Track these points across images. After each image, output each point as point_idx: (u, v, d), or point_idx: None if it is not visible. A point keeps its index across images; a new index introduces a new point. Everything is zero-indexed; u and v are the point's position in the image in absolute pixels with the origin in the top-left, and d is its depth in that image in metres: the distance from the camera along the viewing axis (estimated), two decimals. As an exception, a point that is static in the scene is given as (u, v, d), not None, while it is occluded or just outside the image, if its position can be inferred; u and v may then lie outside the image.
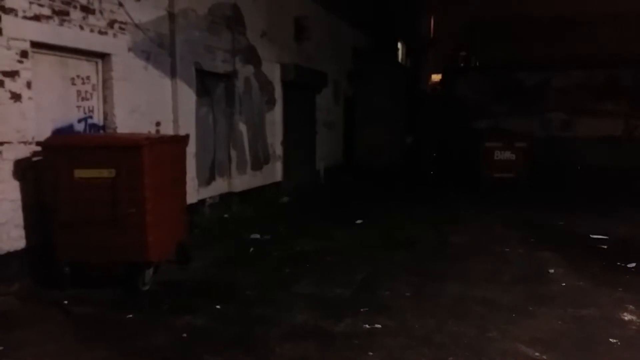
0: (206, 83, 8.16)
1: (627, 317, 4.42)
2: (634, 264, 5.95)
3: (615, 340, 3.95)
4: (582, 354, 3.74)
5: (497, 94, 17.33)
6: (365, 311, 4.53)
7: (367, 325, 4.24)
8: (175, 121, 7.21)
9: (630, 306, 4.63)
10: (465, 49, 22.75)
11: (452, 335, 4.06)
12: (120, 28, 6.22)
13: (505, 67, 17.76)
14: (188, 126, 7.35)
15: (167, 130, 7.05)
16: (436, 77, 26.07)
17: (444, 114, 18.44)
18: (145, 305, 4.69)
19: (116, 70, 6.15)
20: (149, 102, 6.72)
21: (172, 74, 7.16)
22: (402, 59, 21.56)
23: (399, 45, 20.99)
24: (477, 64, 21.11)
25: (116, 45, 6.16)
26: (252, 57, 9.23)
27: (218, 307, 4.65)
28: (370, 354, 3.75)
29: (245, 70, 9.05)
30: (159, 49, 6.92)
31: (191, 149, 7.07)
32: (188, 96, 7.46)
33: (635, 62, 16.35)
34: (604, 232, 7.45)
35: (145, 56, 6.67)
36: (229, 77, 8.61)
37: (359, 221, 8.37)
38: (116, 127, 6.17)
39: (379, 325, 4.24)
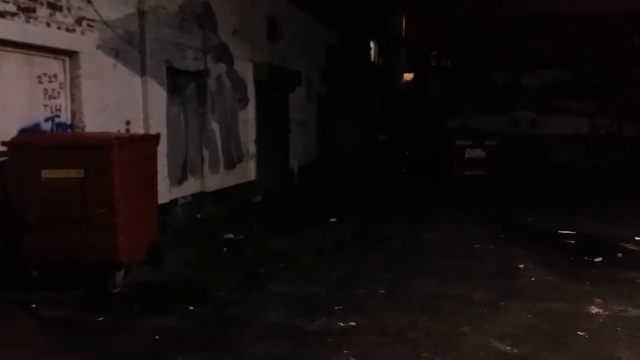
0: (177, 81, 8.06)
1: (594, 310, 4.53)
2: (600, 259, 6.11)
3: (583, 333, 4.05)
4: (551, 347, 3.82)
5: (468, 93, 17.61)
6: (340, 309, 4.55)
7: (341, 324, 4.25)
8: (146, 120, 7.10)
9: (597, 299, 4.75)
10: (437, 49, 23.00)
11: (425, 331, 4.11)
12: (89, 25, 6.09)
13: (476, 66, 18.05)
14: (159, 125, 7.25)
15: (138, 129, 6.93)
16: (408, 76, 26.29)
17: (417, 112, 18.65)
18: (116, 307, 4.61)
19: (84, 68, 6.02)
20: (118, 101, 6.60)
21: (142, 72, 7.04)
22: (374, 57, 21.68)
23: (372, 44, 21.10)
24: (449, 63, 21.38)
25: (84, 42, 6.03)
26: (224, 55, 9.15)
27: (191, 308, 4.59)
28: (345, 351, 3.76)
29: (218, 69, 8.97)
30: (129, 46, 6.80)
31: (162, 148, 6.97)
32: (159, 94, 7.35)
33: (601, 63, 16.81)
34: (572, 228, 7.63)
35: (115, 54, 6.55)
36: (201, 76, 8.52)
37: (333, 219, 8.39)
38: (84, 126, 6.04)
39: (354, 323, 4.26)
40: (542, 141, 16.84)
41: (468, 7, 18.94)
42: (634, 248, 6.62)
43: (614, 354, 3.71)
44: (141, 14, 6.98)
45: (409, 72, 25.91)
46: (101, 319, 4.34)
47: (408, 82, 26.28)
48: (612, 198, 10.66)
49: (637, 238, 7.03)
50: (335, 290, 5.08)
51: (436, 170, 14.10)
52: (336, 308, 4.57)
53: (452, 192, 11.60)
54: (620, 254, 6.36)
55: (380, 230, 7.73)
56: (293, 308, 4.58)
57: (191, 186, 8.43)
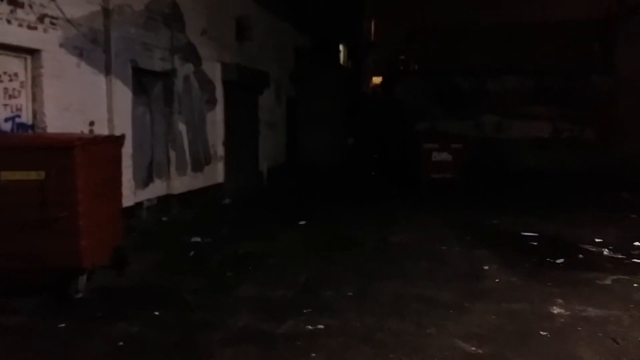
0: (143, 81, 7.92)
1: (555, 310, 4.65)
2: (561, 260, 6.28)
3: (545, 333, 4.15)
4: (514, 347, 3.90)
5: (435, 97, 17.88)
6: (308, 312, 4.54)
7: (309, 327, 4.24)
8: (110, 120, 6.95)
9: (559, 300, 4.88)
10: (405, 53, 23.28)
11: (392, 333, 4.13)
12: (52, 23, 5.93)
13: (442, 71, 18.34)
14: (124, 126, 7.10)
15: (102, 130, 6.78)
16: (377, 80, 26.55)
17: (385, 115, 18.83)
18: (79, 313, 4.48)
19: (46, 67, 5.87)
20: (81, 101, 6.45)
21: (107, 71, 6.90)
22: (343, 61, 21.80)
23: (341, 47, 21.21)
24: (416, 67, 21.66)
25: (46, 40, 5.87)
26: (191, 55, 9.04)
27: (156, 313, 4.50)
28: (313, 354, 3.75)
29: (185, 69, 8.85)
30: (93, 45, 6.65)
31: (127, 149, 6.83)
32: (124, 95, 7.21)
33: (563, 70, 17.34)
34: (535, 230, 7.82)
35: (78, 52, 6.39)
36: (168, 76, 8.40)
37: (302, 222, 8.37)
38: (46, 127, 5.88)
39: (322, 326, 4.25)
40: (507, 144, 17.24)
41: (435, 13, 19.25)
42: (593, 249, 6.82)
43: (575, 353, 3.81)
44: (106, 12, 6.84)
45: (378, 75, 26.17)
46: (63, 325, 4.22)
47: (377, 85, 26.53)
48: (572, 200, 10.99)
49: (596, 240, 7.25)
50: (304, 293, 5.07)
51: (404, 172, 14.25)
52: (304, 311, 4.55)
53: (420, 195, 11.74)
54: (580, 256, 6.55)
55: (348, 233, 7.75)
56: (261, 312, 4.55)
57: (157, 188, 8.29)
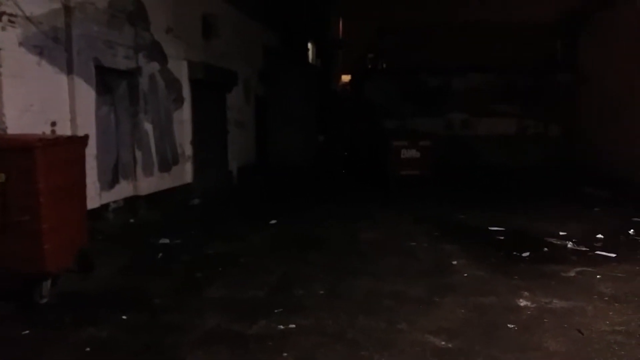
0: (107, 80, 7.74)
1: (522, 303, 4.75)
2: (527, 253, 6.42)
3: (512, 326, 4.24)
4: (483, 339, 3.97)
5: (404, 95, 18.04)
6: (280, 312, 4.52)
7: (281, 326, 4.22)
8: (73, 121, 6.76)
9: (525, 292, 4.98)
10: (373, 52, 23.40)
11: (363, 330, 4.15)
12: (10, 21, 5.74)
13: (410, 70, 18.51)
14: (87, 126, 6.92)
15: (64, 130, 6.60)
16: (346, 78, 26.63)
17: (354, 114, 18.93)
18: (44, 319, 4.36)
19: (5, 66, 5.67)
20: (43, 101, 6.26)
21: (69, 70, 6.71)
22: (312, 59, 21.79)
23: (310, 45, 21.19)
24: (384, 66, 21.80)
25: (5, 39, 5.67)
26: (157, 53, 8.88)
27: (124, 317, 4.42)
28: (285, 354, 3.74)
29: (150, 67, 8.69)
30: (54, 43, 6.46)
31: (91, 150, 6.67)
32: (87, 94, 7.03)
33: (527, 68, 17.73)
34: (501, 224, 7.98)
35: (39, 51, 6.20)
36: (132, 74, 8.23)
37: (272, 221, 8.34)
38: (6, 128, 5.68)
39: (293, 325, 4.24)
40: (474, 141, 17.54)
41: (403, 12, 19.42)
42: (558, 243, 6.99)
43: (541, 345, 3.90)
44: (67, 9, 6.65)
45: (347, 74, 26.25)
46: (27, 332, 4.10)
47: (346, 83, 26.61)
48: (538, 195, 11.26)
49: (561, 233, 7.43)
50: (275, 293, 5.05)
51: (374, 170, 14.35)
52: (276, 311, 4.53)
53: (389, 192, 11.83)
54: (546, 249, 6.71)
55: (319, 231, 7.75)
56: (232, 312, 4.51)
57: (123, 190, 8.12)
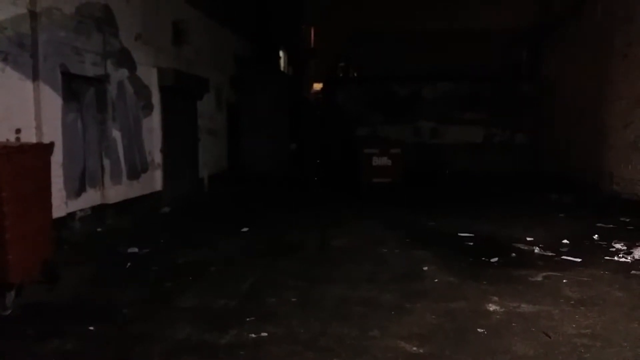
0: (74, 87, 7.60)
1: (491, 307, 4.82)
2: (496, 259, 6.53)
3: (482, 330, 4.30)
4: (454, 344, 4.02)
5: (374, 103, 18.24)
6: (251, 320, 4.48)
7: (253, 335, 4.19)
8: (39, 128, 6.59)
9: (494, 297, 5.07)
10: (344, 60, 23.58)
11: (336, 337, 4.15)
12: (-29, 25, 5.58)
13: (380, 78, 18.73)
14: (53, 133, 6.76)
15: (29, 138, 6.43)
16: (318, 86, 26.72)
17: (326, 122, 19.01)
18: (7, 331, 4.22)
19: (-34, 71, 5.50)
20: (7, 107, 6.09)
21: (35, 76, 6.56)
22: (284, 67, 21.82)
23: (281, 53, 21.22)
24: (355, 74, 22.00)
25: (-34, 43, 5.51)
26: (126, 60, 8.76)
27: (91, 328, 4.30)
28: (256, 363, 3.71)
29: (119, 74, 8.57)
30: (19, 49, 6.31)
31: (57, 158, 6.52)
32: (53, 101, 6.88)
33: (494, 77, 18.15)
34: (470, 231, 8.11)
35: (3, 57, 6.05)
36: (100, 81, 8.10)
37: (244, 229, 8.28)
38: (-33, 135, 5.51)
39: (265, 334, 4.21)
40: (443, 149, 17.84)
41: (372, 21, 19.64)
42: (525, 248, 7.14)
43: (510, 348, 3.96)
44: (33, 15, 6.51)
45: (319, 82, 26.36)
46: (-13, 346, 3.96)
47: (318, 92, 26.71)
48: (505, 202, 11.49)
49: (528, 239, 7.59)
50: (247, 301, 5.00)
51: (346, 178, 14.43)
52: (247, 319, 4.49)
53: (361, 199, 11.91)
54: (514, 254, 6.84)
55: (291, 239, 7.74)
56: (203, 322, 4.44)
57: (91, 198, 7.95)
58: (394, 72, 18.76)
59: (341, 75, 22.84)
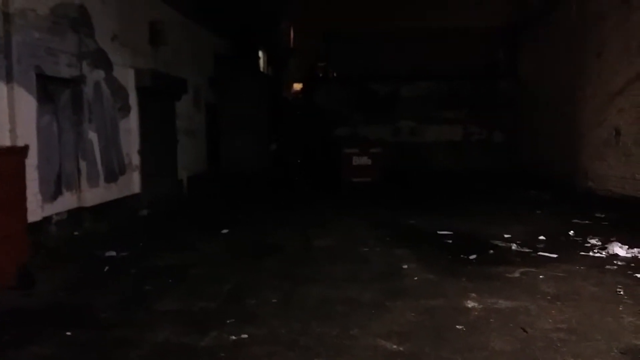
0: (49, 89, 7.47)
1: (470, 304, 4.88)
2: (474, 256, 6.61)
3: (461, 327, 4.34)
4: (433, 341, 4.05)
5: (354, 103, 18.31)
6: (232, 322, 4.46)
7: (233, 337, 4.17)
8: (12, 131, 6.46)
9: (473, 294, 5.13)
10: (324, 60, 23.61)
11: (317, 336, 4.16)
12: (-59, 26, 5.45)
13: (360, 78, 18.80)
14: (28, 136, 6.64)
15: (3, 141, 6.30)
16: (298, 86, 26.70)
17: (307, 121, 19.02)
18: (-20, 339, 4.13)
19: (-64, 73, 5.37)
20: (-21, 110, 5.97)
21: (8, 78, 6.44)
22: (264, 67, 21.74)
23: (261, 53, 21.14)
24: (335, 74, 22.05)
25: None
26: (102, 61, 8.65)
27: (69, 333, 4.24)
28: (237, 365, 3.70)
29: (95, 75, 8.45)
30: (-8, 50, 6.19)
31: (32, 160, 6.41)
32: (27, 103, 6.75)
33: (472, 76, 18.36)
34: (449, 228, 8.19)
35: (-26, 58, 5.92)
36: (76, 83, 7.98)
37: (225, 230, 8.24)
38: (-63, 138, 5.39)
39: (246, 335, 4.19)
40: (423, 148, 17.99)
41: (351, 21, 19.70)
42: (503, 245, 7.25)
43: (488, 344, 4.01)
44: (6, 16, 6.39)
45: (299, 82, 26.34)
46: (-39, 354, 3.88)
47: (298, 92, 26.69)
48: (483, 199, 11.64)
49: (506, 235, 7.71)
50: (227, 303, 4.98)
51: (327, 177, 14.46)
52: (228, 321, 4.47)
53: (342, 199, 11.95)
54: (491, 251, 6.93)
55: (272, 239, 7.73)
56: (183, 325, 4.41)
57: (67, 201, 7.83)
58: (373, 71, 18.85)
59: (321, 75, 22.85)
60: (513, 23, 17.49)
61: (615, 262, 6.29)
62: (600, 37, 11.15)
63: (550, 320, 4.46)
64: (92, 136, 8.39)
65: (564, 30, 13.27)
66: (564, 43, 13.28)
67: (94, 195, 8.37)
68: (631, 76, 9.78)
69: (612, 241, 7.06)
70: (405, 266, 6.19)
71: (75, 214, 7.96)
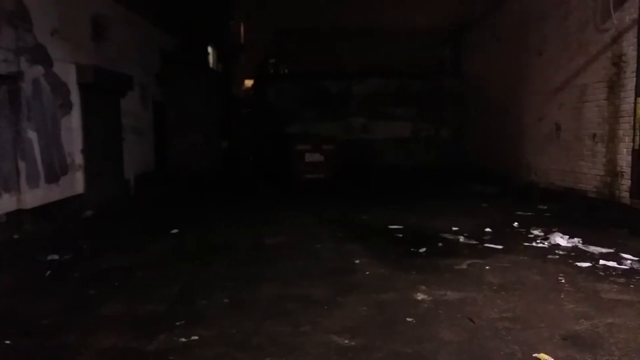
0: (-17, 85, 7.08)
1: (420, 297, 4.97)
2: (424, 249, 6.75)
3: (411, 319, 4.41)
4: (384, 335, 4.10)
5: (306, 100, 18.30)
6: (182, 324, 4.36)
7: (183, 339, 4.07)
8: (-58, 130, 6.10)
9: (422, 286, 5.22)
10: (274, 56, 23.47)
11: (268, 335, 4.13)
12: None
13: (311, 75, 18.81)
14: (-40, 135, 6.28)
15: None
16: (249, 83, 26.41)
17: (258, 119, 18.87)
18: None
19: None
20: None
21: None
22: (213, 63, 21.38)
23: (210, 50, 20.79)
24: (286, 71, 21.96)
25: None
26: (41, 56, 8.26)
27: (7, 342, 4.03)
28: (187, 367, 3.62)
29: (34, 72, 8.06)
30: None
31: (-35, 161, 6.06)
32: (-42, 100, 6.38)
33: (420, 74, 18.72)
34: (400, 223, 8.33)
35: None
36: (13, 79, 7.59)
37: (174, 231, 8.06)
38: None
39: (196, 337, 4.11)
40: (374, 144, 18.20)
41: (302, 17, 19.65)
42: (451, 238, 7.42)
43: (437, 335, 4.10)
44: None
45: (250, 79, 26.06)
46: None
47: (249, 88, 26.41)
48: (432, 193, 11.91)
49: (454, 228, 7.90)
50: (177, 305, 4.86)
51: (279, 174, 14.39)
52: (177, 324, 4.37)
53: (295, 195, 11.92)
54: (440, 244, 7.09)
55: (223, 238, 7.61)
56: (129, 329, 4.27)
57: (5, 203, 7.44)
58: (325, 69, 18.90)
59: (272, 71, 22.72)
60: (459, 23, 17.93)
61: (557, 251, 6.56)
62: (541, 36, 11.58)
63: (495, 310, 4.60)
64: (32, 135, 8.00)
65: (507, 30, 13.71)
66: (507, 42, 13.72)
67: (34, 196, 8.00)
68: (571, 73, 10.21)
69: (554, 232, 7.37)
70: (357, 261, 6.24)
71: (15, 216, 7.57)
